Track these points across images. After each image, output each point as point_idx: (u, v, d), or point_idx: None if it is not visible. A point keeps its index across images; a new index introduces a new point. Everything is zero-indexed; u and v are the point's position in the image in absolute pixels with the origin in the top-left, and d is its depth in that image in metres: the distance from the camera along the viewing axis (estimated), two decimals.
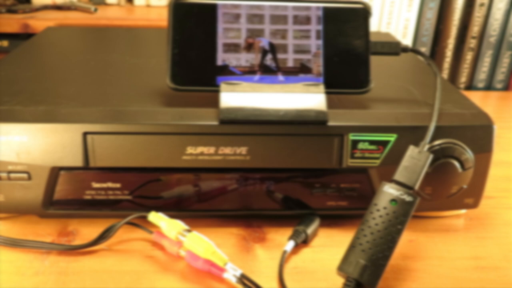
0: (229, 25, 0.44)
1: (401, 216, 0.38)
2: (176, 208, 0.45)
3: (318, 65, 0.44)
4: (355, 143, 0.43)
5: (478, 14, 0.86)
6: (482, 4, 0.86)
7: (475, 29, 0.87)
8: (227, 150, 0.42)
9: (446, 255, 0.44)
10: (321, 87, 0.43)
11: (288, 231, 0.45)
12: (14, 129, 0.41)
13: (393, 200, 0.39)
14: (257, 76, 0.44)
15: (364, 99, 0.45)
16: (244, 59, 0.44)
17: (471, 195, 0.46)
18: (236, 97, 0.42)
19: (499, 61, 0.89)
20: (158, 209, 0.44)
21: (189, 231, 0.42)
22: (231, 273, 0.39)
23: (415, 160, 0.40)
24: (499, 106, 0.84)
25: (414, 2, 0.87)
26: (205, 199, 0.45)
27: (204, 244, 0.40)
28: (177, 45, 0.43)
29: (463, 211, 0.50)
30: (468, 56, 0.89)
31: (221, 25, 0.43)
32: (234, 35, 0.44)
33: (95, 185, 0.44)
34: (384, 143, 0.43)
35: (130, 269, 0.41)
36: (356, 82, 0.44)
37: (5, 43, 0.89)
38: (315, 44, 0.44)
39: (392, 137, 0.43)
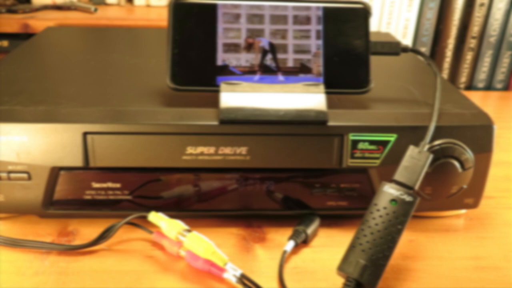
0: (229, 25, 0.44)
1: (401, 216, 0.38)
2: (176, 208, 0.45)
3: (318, 65, 0.44)
4: (355, 143, 0.43)
5: (478, 14, 0.86)
6: (482, 4, 0.86)
7: (475, 29, 0.87)
8: (227, 150, 0.42)
9: (446, 255, 0.44)
10: (321, 87, 0.43)
11: (288, 231, 0.45)
12: (14, 129, 0.41)
13: (393, 200, 0.39)
14: (257, 76, 0.44)
15: (364, 99, 0.45)
16: (244, 59, 0.44)
17: (471, 195, 0.46)
18: (236, 97, 0.42)
19: (499, 61, 0.89)
20: (158, 209, 0.44)
21: (189, 231, 0.42)
22: (231, 273, 0.39)
23: (415, 160, 0.40)
24: (499, 106, 0.84)
25: (414, 2, 0.87)
26: (205, 199, 0.45)
27: (204, 244, 0.40)
28: (177, 45, 0.43)
29: (463, 211, 0.50)
30: (468, 56, 0.89)
31: (221, 25, 0.43)
32: (234, 35, 0.44)
33: (95, 185, 0.44)
34: (384, 143, 0.43)
35: (130, 269, 0.41)
36: (356, 82, 0.44)
37: (5, 43, 0.89)
38: (315, 44, 0.44)
39: (392, 137, 0.43)
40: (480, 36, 0.88)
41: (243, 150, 0.43)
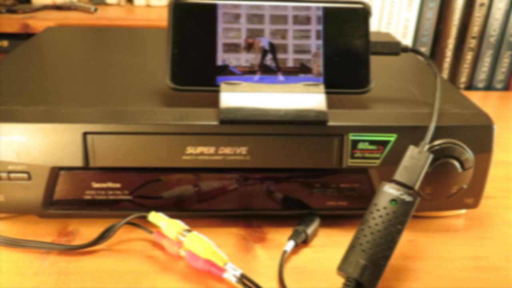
0: (229, 25, 0.44)
1: (401, 216, 0.38)
2: (176, 208, 0.45)
3: (318, 65, 0.44)
4: (355, 143, 0.43)
5: (478, 14, 0.86)
6: (482, 4, 0.86)
7: (475, 29, 0.87)
8: (227, 150, 0.42)
9: (446, 255, 0.44)
10: (321, 87, 0.43)
11: (288, 231, 0.45)
12: (14, 129, 0.41)
13: (393, 200, 0.39)
14: (257, 76, 0.44)
15: (364, 99, 0.45)
16: (244, 59, 0.44)
17: (471, 195, 0.46)
18: (236, 97, 0.42)
19: (499, 61, 0.89)
20: (158, 209, 0.44)
21: (189, 231, 0.42)
22: (231, 273, 0.39)
23: (415, 160, 0.40)
24: (499, 106, 0.84)
25: (414, 2, 0.87)
26: (205, 199, 0.45)
27: (204, 244, 0.40)
28: (177, 45, 0.43)
29: (463, 211, 0.50)
30: (468, 56, 0.89)
31: (221, 25, 0.43)
32: (234, 35, 0.44)
33: (95, 185, 0.44)
34: (384, 143, 0.43)
35: (130, 269, 0.41)
36: (356, 82, 0.44)
37: (5, 43, 0.89)
38: (315, 44, 0.44)
39: (392, 137, 0.43)
40: (480, 36, 0.88)
41: (243, 150, 0.43)
